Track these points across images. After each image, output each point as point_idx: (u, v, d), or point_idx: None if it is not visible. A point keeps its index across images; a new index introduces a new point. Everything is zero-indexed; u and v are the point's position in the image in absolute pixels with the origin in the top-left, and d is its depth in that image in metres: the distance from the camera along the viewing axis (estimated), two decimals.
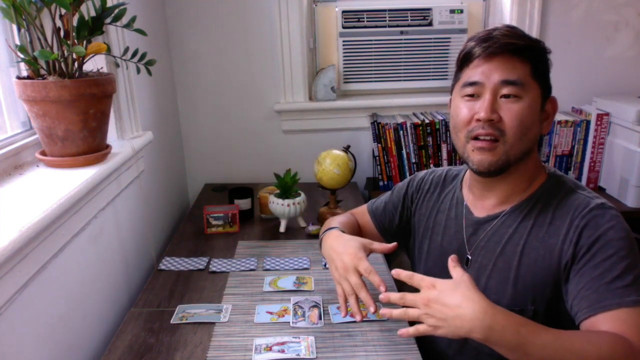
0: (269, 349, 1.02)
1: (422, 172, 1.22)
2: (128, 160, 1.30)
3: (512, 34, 0.93)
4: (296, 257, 1.41)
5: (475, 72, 0.94)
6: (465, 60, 0.97)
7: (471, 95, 0.95)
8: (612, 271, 0.84)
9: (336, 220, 1.21)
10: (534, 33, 1.94)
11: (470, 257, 1.03)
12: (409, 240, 1.21)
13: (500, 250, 0.98)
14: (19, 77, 1.07)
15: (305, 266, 1.36)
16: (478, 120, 0.93)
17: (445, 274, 1.07)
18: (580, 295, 0.86)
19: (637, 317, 0.81)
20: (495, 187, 1.01)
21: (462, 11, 2.00)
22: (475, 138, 0.95)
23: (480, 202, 1.04)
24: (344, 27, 1.99)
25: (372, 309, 0.93)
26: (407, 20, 2.00)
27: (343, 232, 1.13)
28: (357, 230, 1.25)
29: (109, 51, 1.20)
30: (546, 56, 0.96)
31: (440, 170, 1.19)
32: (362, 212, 1.28)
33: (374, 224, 1.25)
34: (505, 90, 0.92)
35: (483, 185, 1.02)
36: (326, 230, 1.15)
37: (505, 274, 0.97)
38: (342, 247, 1.04)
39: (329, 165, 1.57)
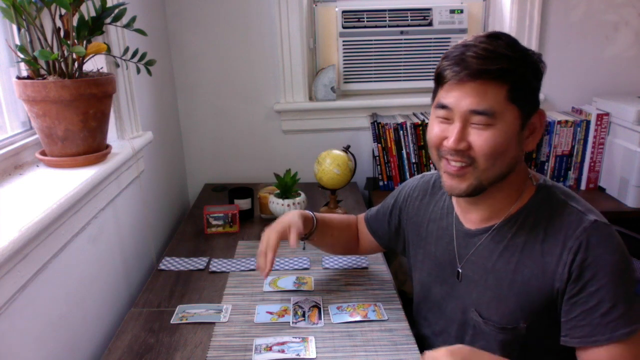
0: (269, 349, 1.02)
1: (412, 179, 1.21)
2: (128, 160, 1.30)
3: (489, 54, 0.85)
4: (296, 257, 1.41)
5: (447, 95, 0.89)
6: (439, 80, 0.92)
7: (444, 117, 0.92)
8: (605, 302, 0.84)
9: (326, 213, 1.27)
10: (534, 33, 1.94)
11: (460, 271, 1.02)
12: (404, 246, 1.21)
13: (491, 266, 0.96)
14: (19, 77, 1.07)
15: (305, 266, 1.36)
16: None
17: (438, 284, 1.07)
18: (572, 323, 0.87)
19: (626, 352, 0.84)
20: (479, 203, 0.98)
21: (462, 11, 2.00)
22: (446, 158, 0.93)
23: (468, 215, 1.02)
24: (344, 27, 1.99)
25: (262, 274, 1.12)
26: (407, 20, 2.00)
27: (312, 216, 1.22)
28: (349, 227, 1.29)
29: (109, 51, 1.20)
30: (533, 71, 0.88)
31: (430, 175, 1.17)
32: (361, 218, 1.31)
33: (368, 230, 1.27)
34: (474, 119, 0.87)
35: (466, 201, 0.99)
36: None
37: (497, 291, 0.95)
38: (288, 214, 1.19)
39: (329, 165, 1.57)
